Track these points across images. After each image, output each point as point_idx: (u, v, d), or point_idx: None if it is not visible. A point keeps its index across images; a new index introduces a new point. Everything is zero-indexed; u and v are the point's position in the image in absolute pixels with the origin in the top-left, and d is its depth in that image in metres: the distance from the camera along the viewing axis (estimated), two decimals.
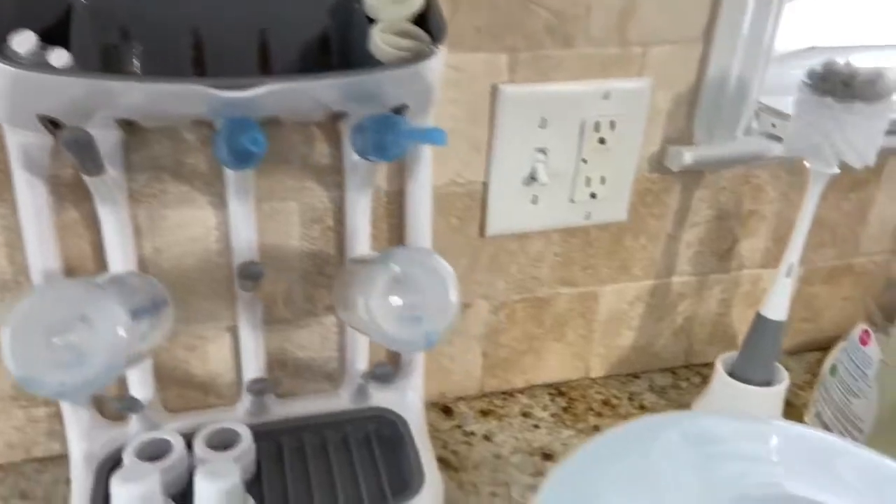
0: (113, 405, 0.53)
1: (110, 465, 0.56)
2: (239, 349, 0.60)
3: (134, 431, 0.58)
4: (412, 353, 0.58)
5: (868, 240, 0.74)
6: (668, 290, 0.71)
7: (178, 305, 0.57)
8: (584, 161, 0.61)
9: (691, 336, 0.74)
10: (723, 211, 0.68)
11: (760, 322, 0.63)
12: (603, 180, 0.62)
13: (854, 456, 0.38)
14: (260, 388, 0.53)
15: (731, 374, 0.65)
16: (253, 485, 0.57)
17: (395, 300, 0.41)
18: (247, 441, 0.58)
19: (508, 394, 0.71)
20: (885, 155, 0.70)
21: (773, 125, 0.64)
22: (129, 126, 0.47)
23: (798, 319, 0.77)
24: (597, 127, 0.60)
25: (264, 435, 0.61)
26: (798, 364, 0.77)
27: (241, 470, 0.56)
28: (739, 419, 0.42)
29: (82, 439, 0.57)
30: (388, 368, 0.55)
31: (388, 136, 0.44)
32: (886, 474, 0.38)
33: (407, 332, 0.41)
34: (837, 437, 0.40)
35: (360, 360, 0.62)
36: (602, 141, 0.60)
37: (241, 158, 0.43)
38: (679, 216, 0.67)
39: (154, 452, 0.56)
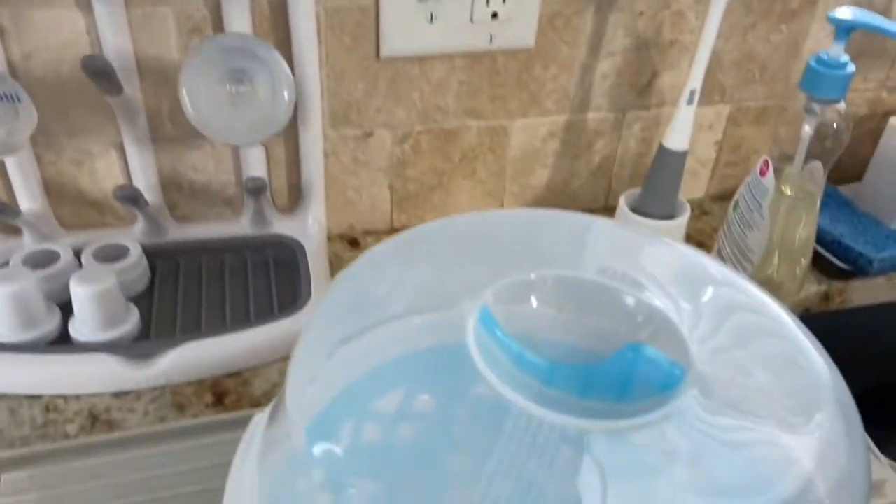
0: None
1: None
2: (128, 167, 0.60)
3: (26, 244, 0.60)
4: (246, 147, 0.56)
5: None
6: (584, 127, 0.69)
7: (58, 116, 0.57)
8: None
9: (610, 176, 0.73)
10: (641, 40, 0.65)
11: (662, 154, 0.61)
12: None
13: (667, 248, 0.38)
14: (130, 196, 0.53)
15: (634, 210, 0.64)
16: (142, 298, 0.59)
17: (220, 89, 0.40)
18: (135, 256, 0.58)
19: None
20: None
21: None
22: None
23: (724, 164, 0.75)
24: None
25: (162, 255, 0.63)
26: (721, 208, 0.75)
27: (127, 282, 0.58)
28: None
29: None
30: (262, 181, 0.54)
31: None
32: (698, 271, 0.37)
33: (228, 122, 0.40)
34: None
35: None
36: None
37: None
38: (593, 44, 0.64)
39: (42, 262, 0.57)
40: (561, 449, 0.29)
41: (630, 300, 0.33)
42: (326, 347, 0.34)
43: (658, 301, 0.34)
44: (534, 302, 0.33)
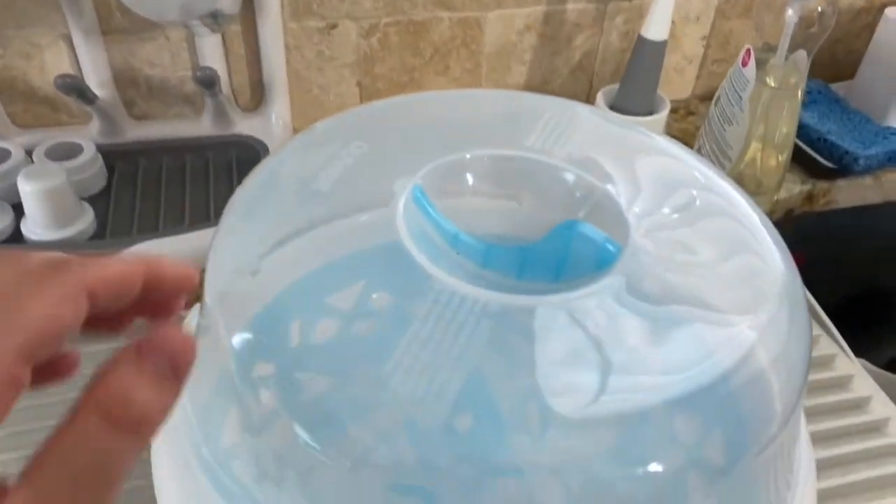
0: None
1: None
2: (78, 60, 0.57)
3: None
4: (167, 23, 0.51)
5: None
6: (563, 19, 0.65)
7: (2, 5, 0.53)
8: None
9: (591, 74, 0.70)
10: None
11: (640, 45, 0.58)
12: None
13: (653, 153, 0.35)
14: (72, 86, 0.50)
15: (612, 107, 0.61)
16: (98, 198, 0.57)
17: None
18: (88, 154, 0.56)
19: None
20: None
21: None
22: None
23: (712, 61, 0.71)
24: None
25: (121, 156, 0.60)
26: (706, 108, 0.72)
27: (82, 182, 0.56)
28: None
29: None
30: (212, 70, 0.52)
31: None
32: (665, 160, 0.35)
33: None
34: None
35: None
36: None
37: None
38: None
39: None
40: (490, 328, 0.27)
41: (569, 177, 0.31)
42: (256, 238, 0.33)
43: (612, 186, 0.32)
44: (469, 180, 0.31)
